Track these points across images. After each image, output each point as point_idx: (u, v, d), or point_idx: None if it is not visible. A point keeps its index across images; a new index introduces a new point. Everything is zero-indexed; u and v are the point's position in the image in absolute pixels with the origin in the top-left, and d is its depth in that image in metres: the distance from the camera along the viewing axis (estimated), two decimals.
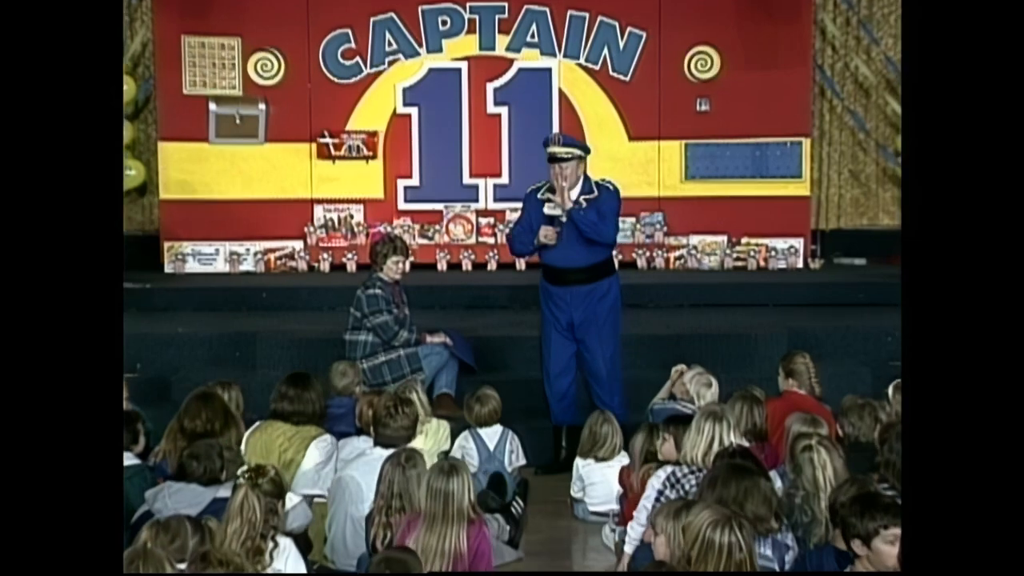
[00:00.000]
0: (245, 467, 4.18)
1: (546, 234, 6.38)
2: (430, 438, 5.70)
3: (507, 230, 10.23)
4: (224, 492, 4.21)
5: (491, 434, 5.95)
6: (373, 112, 10.40)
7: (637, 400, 6.37)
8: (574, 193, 6.40)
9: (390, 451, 4.67)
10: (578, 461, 5.82)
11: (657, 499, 4.56)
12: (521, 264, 9.65)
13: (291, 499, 4.42)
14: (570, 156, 6.36)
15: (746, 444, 4.82)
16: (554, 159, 6.36)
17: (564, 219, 6.34)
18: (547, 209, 6.39)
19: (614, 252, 6.76)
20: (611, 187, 6.56)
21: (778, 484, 4.46)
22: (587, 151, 6.52)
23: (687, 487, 4.54)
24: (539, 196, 6.50)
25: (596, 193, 6.43)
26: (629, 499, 5.12)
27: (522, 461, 6.05)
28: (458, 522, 4.11)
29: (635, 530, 4.63)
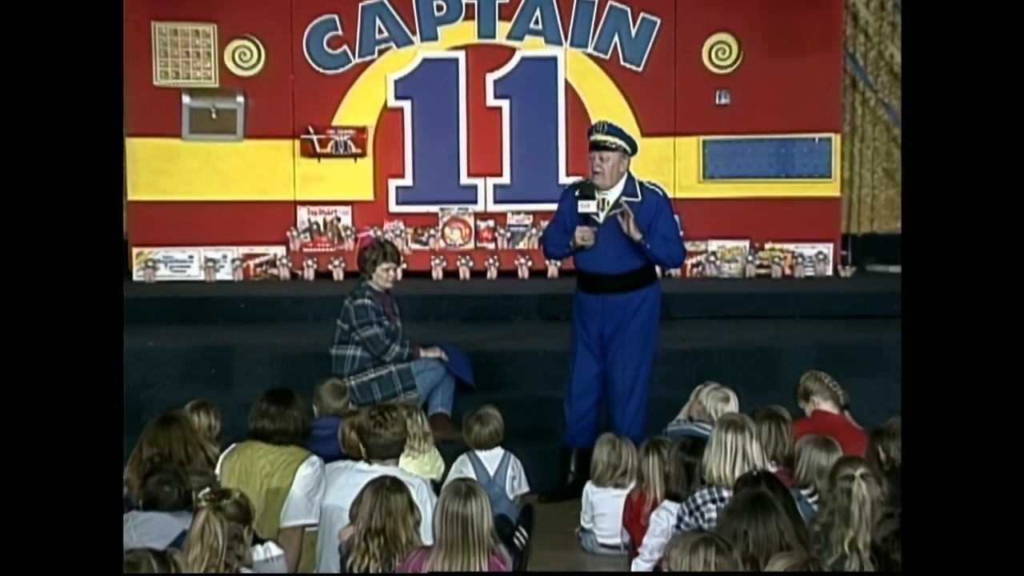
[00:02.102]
0: (207, 491, 4.14)
1: (583, 235, 6.34)
2: (426, 463, 5.70)
3: (507, 233, 10.30)
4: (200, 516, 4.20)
5: (491, 458, 5.95)
6: (362, 106, 10.41)
7: (651, 422, 6.36)
8: (614, 193, 6.39)
9: (381, 469, 4.69)
10: (588, 487, 5.81)
11: (677, 526, 4.56)
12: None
13: (270, 550, 4.40)
14: (614, 146, 6.34)
15: (772, 469, 4.82)
16: (596, 146, 6.33)
17: (601, 218, 6.32)
18: (581, 207, 6.35)
19: None
20: (659, 192, 6.55)
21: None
22: (634, 147, 6.50)
23: (707, 516, 4.53)
24: (574, 194, 6.46)
25: (640, 197, 6.41)
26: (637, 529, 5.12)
27: (525, 488, 6.04)
28: (478, 550, 4.09)
29: (639, 567, 4.62)
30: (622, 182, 6.42)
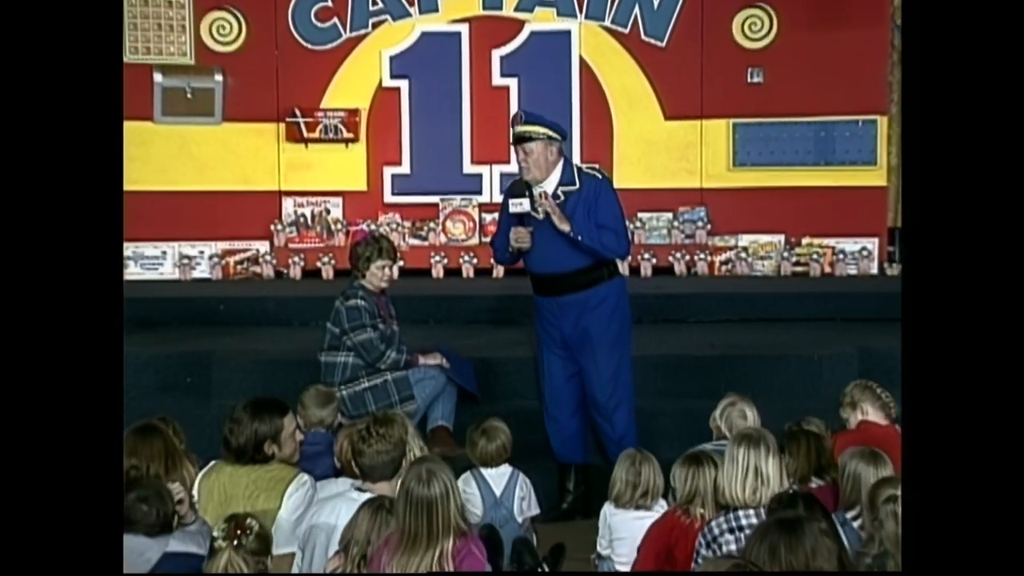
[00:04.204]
0: (223, 525, 4.13)
1: (517, 236, 6.44)
2: None
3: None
4: (177, 545, 4.21)
5: (497, 476, 5.95)
6: (354, 85, 10.44)
7: (679, 438, 6.37)
8: (550, 184, 6.44)
9: (375, 492, 4.69)
10: (607, 509, 5.78)
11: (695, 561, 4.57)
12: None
13: None
14: (536, 136, 6.39)
15: (809, 486, 4.81)
16: (517, 139, 6.41)
17: (539, 215, 6.36)
18: (512, 206, 6.44)
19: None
20: (599, 176, 6.60)
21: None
22: (561, 132, 6.54)
23: (725, 550, 4.51)
24: (503, 191, 6.56)
25: (578, 185, 6.46)
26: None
27: (535, 510, 6.04)
28: (444, 538, 4.13)
29: None
30: (557, 171, 6.47)
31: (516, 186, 6.54)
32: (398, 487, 4.32)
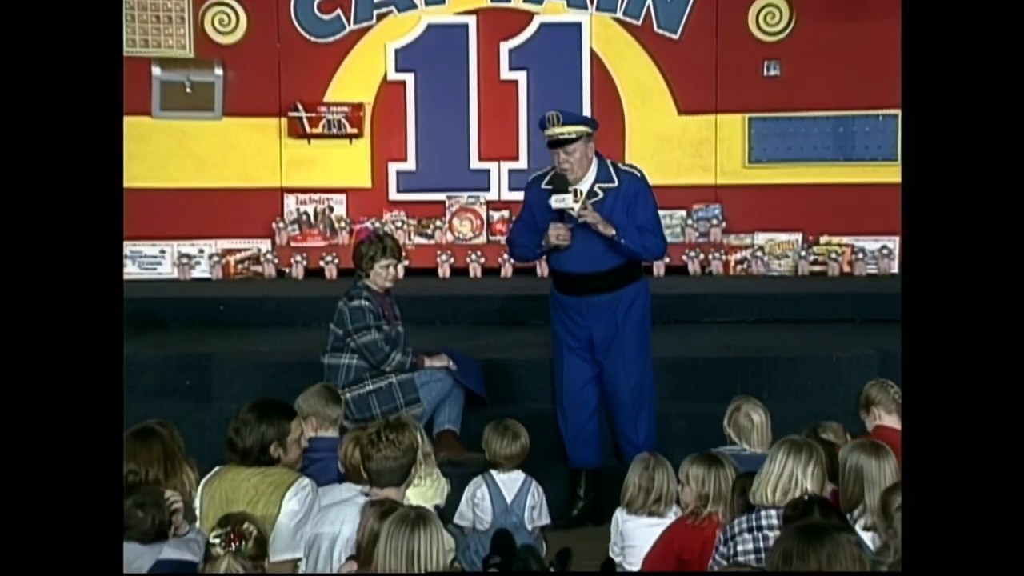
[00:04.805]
0: (220, 529, 4.13)
1: (558, 234, 6.38)
2: (430, 488, 5.70)
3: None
4: (171, 552, 4.21)
5: (510, 482, 5.95)
6: (358, 79, 10.45)
7: (692, 441, 6.36)
8: (586, 183, 6.41)
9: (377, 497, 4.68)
10: (619, 515, 5.78)
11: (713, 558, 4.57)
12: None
13: None
14: (576, 135, 6.36)
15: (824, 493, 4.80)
16: (555, 143, 6.36)
17: (578, 214, 6.33)
18: (554, 202, 6.38)
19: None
20: (637, 174, 6.58)
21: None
22: (595, 125, 6.53)
23: (740, 548, 4.51)
24: (543, 186, 6.50)
25: (617, 182, 6.44)
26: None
27: (545, 520, 6.05)
28: None
29: None
30: (593, 167, 6.45)
31: (556, 180, 6.42)
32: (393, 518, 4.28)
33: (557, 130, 6.34)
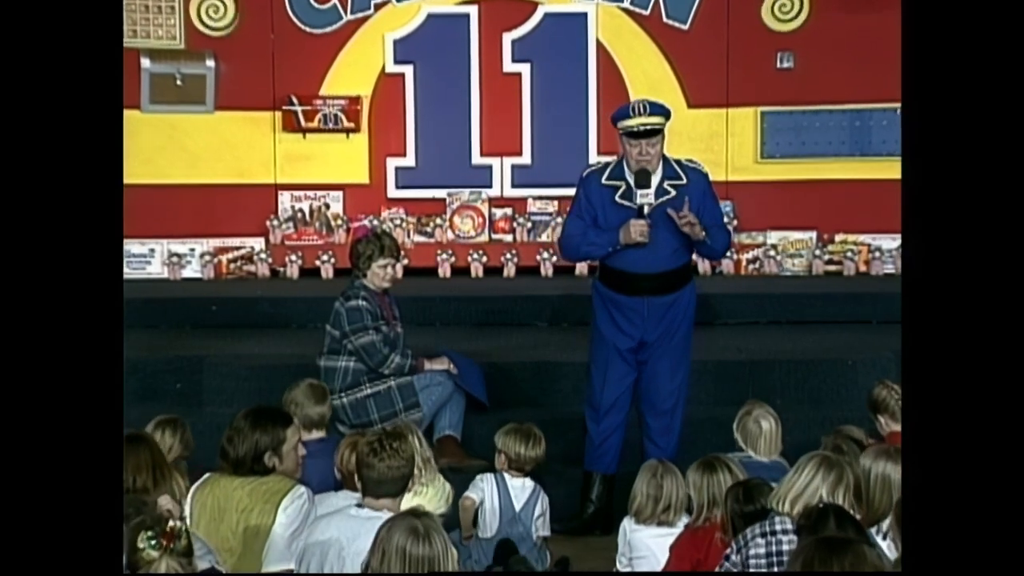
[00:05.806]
0: (148, 532, 4.14)
1: (640, 230, 6.30)
2: (435, 496, 5.71)
3: (528, 223, 10.31)
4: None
5: (520, 490, 5.97)
6: (355, 72, 10.46)
7: (700, 445, 6.38)
8: (656, 178, 6.39)
9: (378, 509, 4.69)
10: (626, 524, 5.79)
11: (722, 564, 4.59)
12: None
13: None
14: (661, 127, 6.34)
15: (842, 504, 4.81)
16: (639, 134, 6.30)
17: (647, 209, 6.33)
18: (639, 198, 6.34)
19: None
20: (703, 170, 6.62)
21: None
22: (670, 115, 6.52)
23: (752, 552, 4.53)
24: (603, 181, 6.45)
25: (685, 179, 6.44)
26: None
27: (547, 531, 6.08)
28: None
29: None
30: (660, 164, 6.45)
31: (639, 175, 6.36)
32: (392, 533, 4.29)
33: (645, 120, 6.29)
